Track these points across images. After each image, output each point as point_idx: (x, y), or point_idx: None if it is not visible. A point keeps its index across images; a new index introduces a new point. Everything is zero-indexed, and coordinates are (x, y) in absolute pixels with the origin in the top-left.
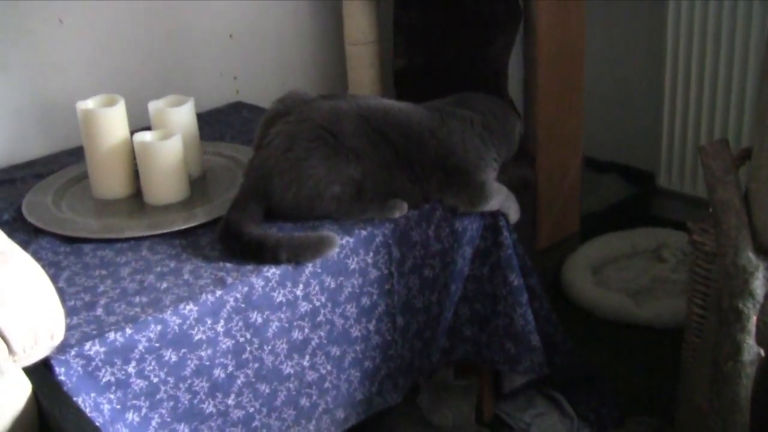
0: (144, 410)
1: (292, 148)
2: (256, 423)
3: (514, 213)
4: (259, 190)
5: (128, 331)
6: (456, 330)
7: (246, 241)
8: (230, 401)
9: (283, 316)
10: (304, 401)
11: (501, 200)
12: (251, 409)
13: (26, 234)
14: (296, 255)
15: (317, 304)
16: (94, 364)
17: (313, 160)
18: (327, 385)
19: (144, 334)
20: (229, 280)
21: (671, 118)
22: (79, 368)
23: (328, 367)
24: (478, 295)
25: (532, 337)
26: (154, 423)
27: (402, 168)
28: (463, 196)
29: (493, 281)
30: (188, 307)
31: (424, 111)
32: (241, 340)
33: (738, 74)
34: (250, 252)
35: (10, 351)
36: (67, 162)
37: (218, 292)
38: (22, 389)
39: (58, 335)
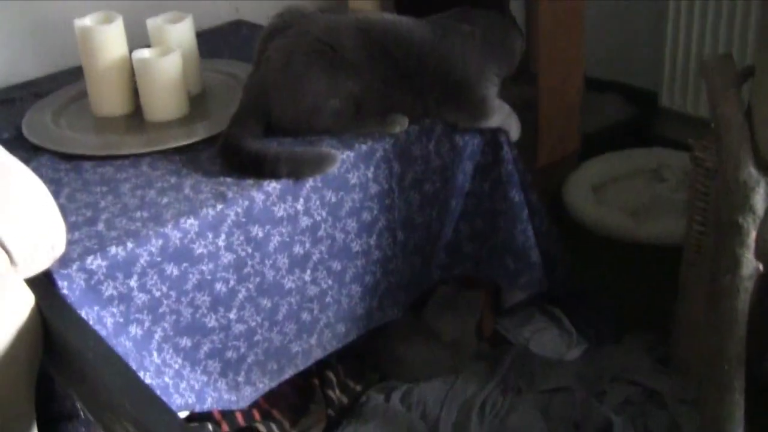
0: (147, 324)
1: (290, 63)
2: (257, 337)
3: (515, 131)
4: (259, 105)
5: (130, 245)
6: (456, 246)
7: (245, 155)
8: (232, 315)
9: (284, 230)
10: (305, 315)
11: (502, 117)
12: (253, 323)
13: (26, 152)
14: (296, 170)
15: (318, 218)
16: (96, 278)
17: (312, 74)
18: (328, 299)
19: (145, 248)
20: (230, 194)
21: (674, 38)
22: (82, 282)
23: (329, 282)
24: (478, 211)
25: (531, 252)
26: (156, 337)
27: (402, 82)
28: (464, 112)
29: (494, 197)
30: (189, 222)
31: (424, 25)
32: (242, 254)
33: None
34: (250, 166)
35: (12, 261)
36: (66, 81)
37: (219, 207)
38: (26, 300)
39: (60, 246)
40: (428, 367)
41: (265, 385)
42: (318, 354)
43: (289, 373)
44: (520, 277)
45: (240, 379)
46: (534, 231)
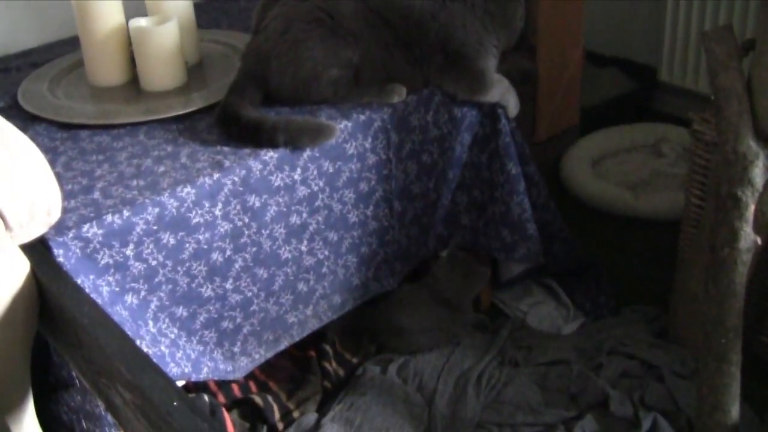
0: (143, 293)
1: (289, 31)
2: (253, 307)
3: (513, 106)
4: (257, 73)
5: (126, 213)
6: (453, 217)
7: (243, 123)
8: (228, 285)
9: (281, 200)
10: (301, 286)
11: (501, 92)
12: (249, 294)
13: (22, 121)
14: (293, 139)
15: (315, 188)
16: (92, 246)
17: (310, 42)
18: (324, 270)
19: (141, 216)
20: (227, 163)
21: (674, 11)
22: (78, 250)
23: (326, 252)
24: (476, 183)
25: (528, 225)
26: (152, 306)
27: (402, 50)
28: (462, 83)
29: (491, 168)
30: (186, 190)
31: None
32: (239, 223)
33: None
34: (247, 135)
35: (6, 226)
36: (63, 51)
37: (216, 175)
38: (21, 266)
39: (55, 212)
40: (425, 336)
41: (261, 355)
42: (314, 324)
43: (285, 344)
44: (516, 250)
45: (236, 349)
46: (531, 203)
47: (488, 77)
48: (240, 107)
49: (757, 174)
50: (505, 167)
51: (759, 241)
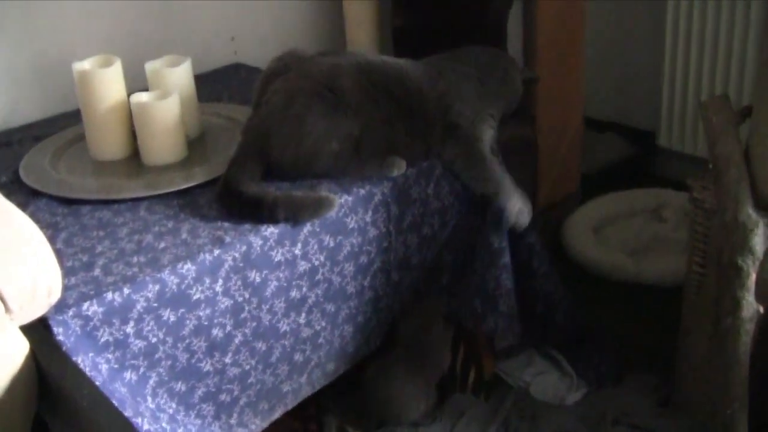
0: (142, 369)
1: (291, 105)
2: (251, 379)
3: (515, 210)
4: (258, 147)
5: (126, 290)
6: (437, 275)
7: (244, 199)
8: (227, 359)
9: (281, 275)
10: (297, 357)
11: (507, 189)
12: (247, 366)
13: (24, 196)
14: (294, 214)
15: (316, 263)
16: (92, 324)
17: (311, 117)
18: (321, 340)
19: (142, 293)
20: (228, 239)
21: (672, 78)
22: (78, 328)
23: (323, 324)
24: (463, 244)
25: (500, 300)
26: (151, 382)
27: (403, 122)
28: (460, 154)
29: (479, 236)
30: (186, 267)
31: (421, 66)
32: (240, 299)
33: (740, 33)
34: (248, 210)
35: (7, 309)
36: (65, 124)
37: (216, 251)
38: (20, 348)
39: (55, 293)
40: (414, 401)
41: (257, 426)
42: (307, 392)
43: (279, 413)
44: (485, 322)
45: (233, 421)
46: (532, 273)
47: (484, 150)
48: (240, 183)
49: (758, 242)
50: (487, 239)
51: (761, 309)
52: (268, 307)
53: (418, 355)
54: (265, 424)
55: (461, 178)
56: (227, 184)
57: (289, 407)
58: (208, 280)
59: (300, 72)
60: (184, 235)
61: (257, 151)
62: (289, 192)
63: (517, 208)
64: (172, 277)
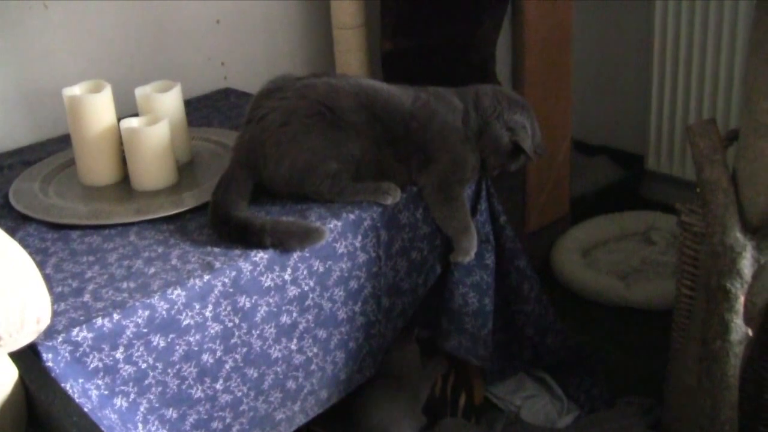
0: (132, 396)
1: (289, 123)
2: (243, 407)
3: (462, 250)
4: (250, 162)
5: (116, 316)
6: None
7: (233, 224)
8: (218, 386)
9: (271, 300)
10: (290, 384)
11: (457, 227)
12: (239, 393)
13: (13, 221)
14: (281, 242)
15: (306, 288)
16: (81, 350)
17: (311, 135)
18: (313, 367)
19: (132, 319)
20: (217, 264)
21: (660, 101)
22: (67, 354)
23: (315, 350)
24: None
25: (467, 319)
26: (142, 408)
27: (389, 146)
28: (433, 189)
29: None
30: (176, 292)
31: (411, 92)
32: (230, 325)
33: (726, 58)
34: (237, 235)
35: None
36: (55, 149)
37: (206, 277)
38: (9, 374)
39: (45, 320)
40: (402, 427)
41: None
42: (301, 420)
43: None
44: (449, 339)
45: None
46: (523, 297)
47: (455, 191)
48: (230, 204)
49: (746, 265)
50: None
51: (750, 332)
52: (258, 332)
53: (404, 381)
54: None
55: (430, 208)
56: (216, 207)
57: None
58: (197, 306)
59: (297, 92)
60: (173, 261)
61: (249, 166)
62: (277, 219)
63: (463, 247)
64: (162, 303)
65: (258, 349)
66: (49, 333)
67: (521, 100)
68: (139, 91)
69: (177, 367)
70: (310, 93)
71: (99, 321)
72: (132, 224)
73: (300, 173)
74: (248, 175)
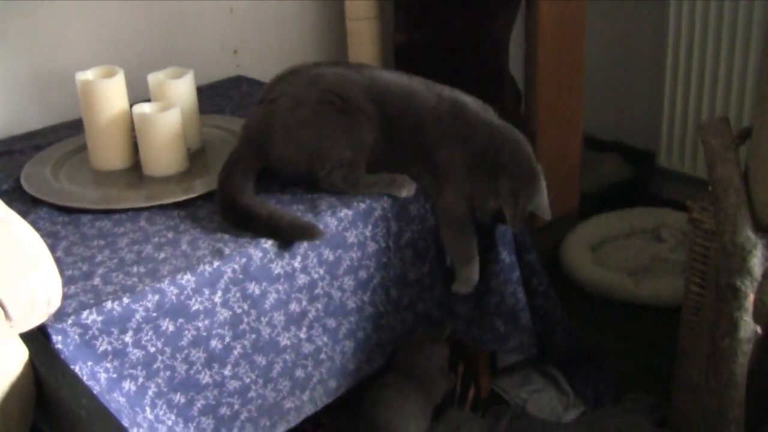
0: (140, 380)
1: (299, 108)
2: (251, 394)
3: (464, 282)
4: (258, 142)
5: (125, 300)
6: (449, 304)
7: (237, 209)
8: (227, 372)
9: (280, 288)
10: (299, 372)
11: (467, 258)
12: (247, 380)
13: (24, 204)
14: (274, 234)
15: (315, 276)
16: (91, 333)
17: (321, 120)
18: (322, 356)
19: (141, 303)
20: (227, 251)
21: (672, 98)
22: (76, 337)
23: (324, 339)
24: None
25: (522, 315)
26: (150, 393)
27: (401, 140)
28: (439, 205)
29: (488, 257)
30: (186, 278)
31: (425, 86)
32: (239, 311)
33: (740, 54)
34: (240, 221)
35: (7, 316)
36: (67, 134)
37: (216, 263)
38: (19, 356)
39: (55, 302)
40: (406, 422)
41: None
42: (310, 409)
43: (281, 430)
44: (509, 341)
45: None
46: (532, 291)
47: (458, 212)
48: (235, 190)
49: (756, 264)
50: (499, 256)
51: (759, 330)
52: (267, 319)
53: (414, 378)
54: None
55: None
56: (222, 189)
57: (292, 425)
58: (207, 292)
59: (309, 79)
60: (183, 247)
61: (257, 145)
62: (278, 211)
63: (464, 277)
64: (172, 288)
65: (267, 336)
66: (59, 316)
67: (536, 168)
68: (152, 78)
69: (185, 352)
70: (320, 81)
71: (108, 305)
72: (142, 209)
73: (308, 156)
74: (255, 155)
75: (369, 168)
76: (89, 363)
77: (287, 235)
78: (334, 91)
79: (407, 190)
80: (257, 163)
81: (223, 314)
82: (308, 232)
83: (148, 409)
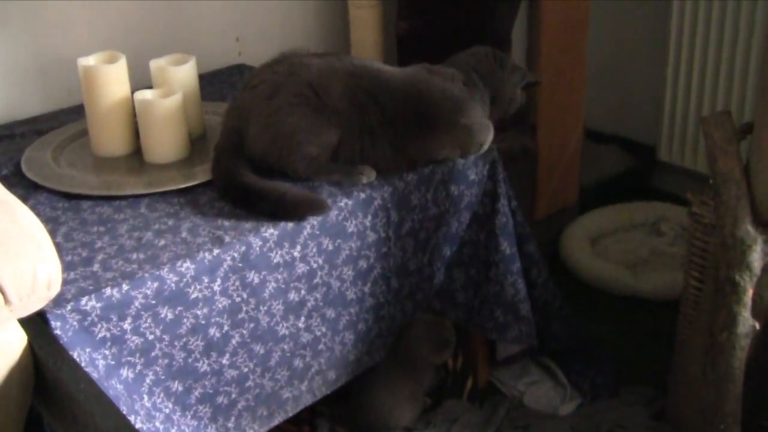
0: (138, 367)
1: (274, 97)
2: (249, 383)
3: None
4: (237, 128)
5: (125, 287)
6: (449, 294)
7: (236, 188)
8: (224, 360)
9: (280, 276)
10: (297, 362)
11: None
12: (245, 369)
13: (25, 189)
14: (281, 210)
15: (314, 265)
16: (90, 319)
17: (294, 115)
18: (321, 347)
19: (140, 290)
20: (227, 238)
21: (673, 92)
22: (75, 323)
23: (323, 329)
24: (473, 261)
25: (521, 306)
26: (148, 380)
27: (386, 132)
28: (450, 144)
29: (488, 247)
30: (185, 265)
31: (409, 70)
32: (237, 299)
33: (742, 50)
34: (240, 200)
35: (6, 300)
36: (68, 119)
37: (216, 251)
38: (18, 340)
39: (55, 286)
40: (401, 407)
41: (254, 431)
42: (308, 399)
43: (278, 419)
44: (508, 331)
45: (230, 425)
46: (531, 282)
47: (475, 131)
48: (231, 168)
49: (755, 258)
50: (499, 247)
51: (757, 325)
52: (266, 308)
53: (408, 364)
54: (264, 430)
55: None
56: (217, 172)
57: (290, 414)
58: (206, 279)
59: (290, 68)
60: (183, 234)
61: (236, 131)
62: (279, 185)
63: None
64: (171, 275)
65: (265, 325)
66: (58, 301)
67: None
68: (154, 64)
69: (184, 340)
70: (302, 72)
71: (108, 291)
72: (143, 196)
73: (278, 149)
74: (237, 140)
75: (338, 159)
76: (88, 349)
77: (294, 214)
78: (313, 85)
79: (367, 177)
80: (242, 148)
81: (222, 302)
82: (315, 207)
83: (145, 397)
